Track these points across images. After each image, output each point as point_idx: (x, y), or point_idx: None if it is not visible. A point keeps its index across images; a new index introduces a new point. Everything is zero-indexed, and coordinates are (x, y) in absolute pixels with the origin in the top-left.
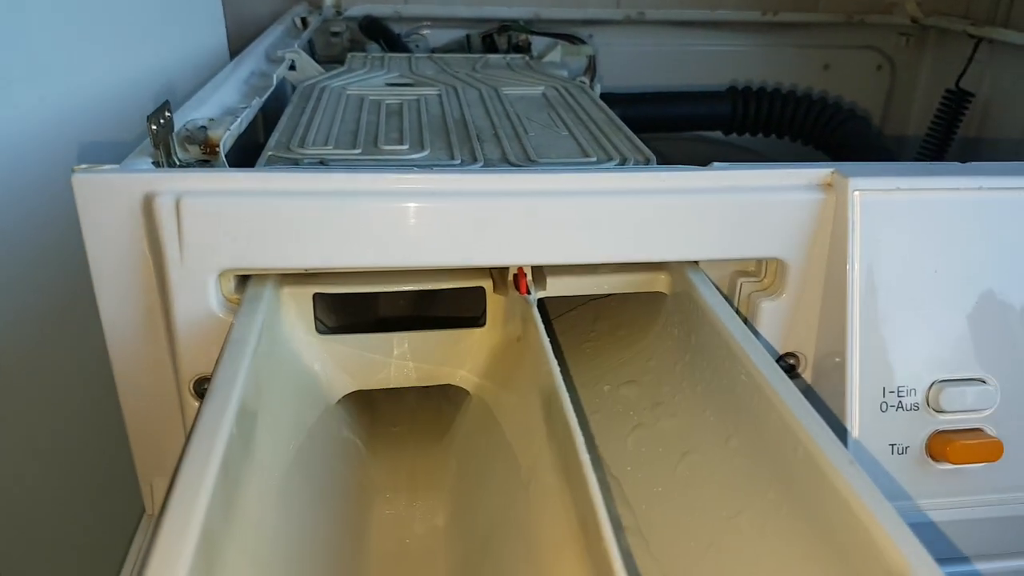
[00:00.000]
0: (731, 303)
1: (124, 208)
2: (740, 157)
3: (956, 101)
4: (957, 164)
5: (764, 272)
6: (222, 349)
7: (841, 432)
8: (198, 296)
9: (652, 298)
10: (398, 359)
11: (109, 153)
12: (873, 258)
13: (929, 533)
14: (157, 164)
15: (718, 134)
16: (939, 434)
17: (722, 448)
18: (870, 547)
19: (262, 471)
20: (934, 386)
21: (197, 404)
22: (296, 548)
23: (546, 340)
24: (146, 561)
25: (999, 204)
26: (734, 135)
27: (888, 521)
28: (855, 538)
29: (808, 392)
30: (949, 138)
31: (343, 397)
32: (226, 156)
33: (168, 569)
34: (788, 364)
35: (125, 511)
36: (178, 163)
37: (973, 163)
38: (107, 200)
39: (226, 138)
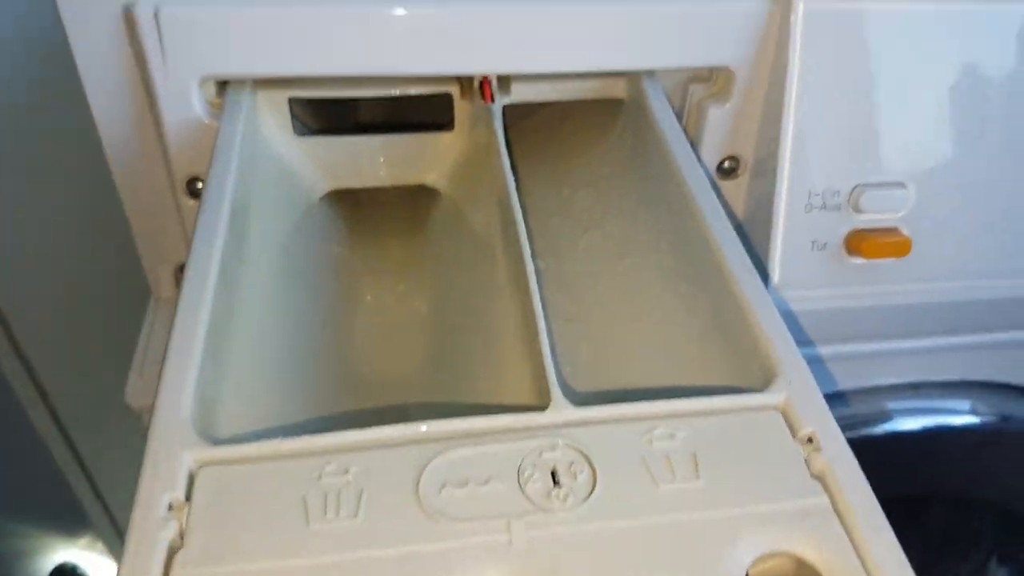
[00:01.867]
0: (680, 112)
1: (106, 20)
2: None
3: None
4: None
5: (714, 79)
6: (211, 154)
7: (766, 227)
8: (183, 101)
9: (614, 104)
10: (372, 160)
11: None
12: (811, 68)
13: (838, 318)
14: None
15: None
16: (857, 232)
17: (654, 251)
18: (754, 349)
19: (256, 263)
20: (856, 189)
21: (191, 202)
22: (288, 325)
23: (503, 150)
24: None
25: (939, 21)
26: None
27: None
28: (746, 343)
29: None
30: None
31: (326, 196)
32: None
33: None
34: (730, 167)
35: (134, 295)
36: None
37: None
38: (89, 12)
39: None
